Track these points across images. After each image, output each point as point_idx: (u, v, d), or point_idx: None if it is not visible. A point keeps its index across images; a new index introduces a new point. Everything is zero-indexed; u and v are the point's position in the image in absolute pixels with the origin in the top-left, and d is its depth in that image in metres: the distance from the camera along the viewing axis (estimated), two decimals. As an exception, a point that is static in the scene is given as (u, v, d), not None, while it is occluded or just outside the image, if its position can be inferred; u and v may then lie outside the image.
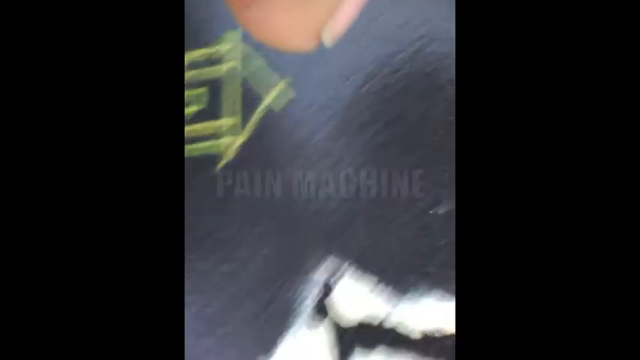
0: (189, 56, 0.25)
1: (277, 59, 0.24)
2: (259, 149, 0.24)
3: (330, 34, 0.14)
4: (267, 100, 0.24)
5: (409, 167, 0.23)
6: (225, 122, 0.24)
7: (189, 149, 0.24)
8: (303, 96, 0.25)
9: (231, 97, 0.25)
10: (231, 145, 0.24)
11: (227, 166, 0.24)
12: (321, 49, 0.14)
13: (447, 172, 0.23)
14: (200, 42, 0.25)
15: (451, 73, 0.24)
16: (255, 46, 0.24)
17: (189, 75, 0.25)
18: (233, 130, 0.24)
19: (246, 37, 0.24)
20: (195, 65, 0.25)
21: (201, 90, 0.25)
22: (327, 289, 0.22)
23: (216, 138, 0.24)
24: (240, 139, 0.24)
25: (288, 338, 0.21)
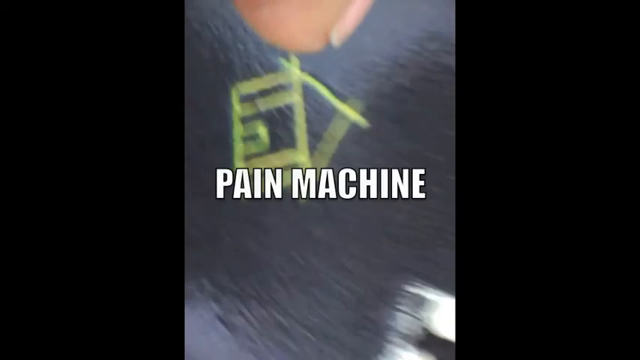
0: (241, 88, 0.23)
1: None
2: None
3: (338, 34, 0.14)
4: (339, 129, 0.22)
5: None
6: (293, 156, 0.22)
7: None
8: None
9: (294, 129, 0.23)
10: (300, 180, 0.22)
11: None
12: (328, 48, 0.14)
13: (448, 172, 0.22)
14: (249, 72, 0.24)
15: (452, 71, 0.23)
16: (314, 74, 0.23)
17: (240, 108, 0.23)
18: (302, 162, 0.22)
19: (304, 65, 0.23)
20: (249, 98, 0.23)
21: (259, 126, 0.23)
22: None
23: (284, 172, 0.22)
24: (309, 173, 0.22)
25: None
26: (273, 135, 0.23)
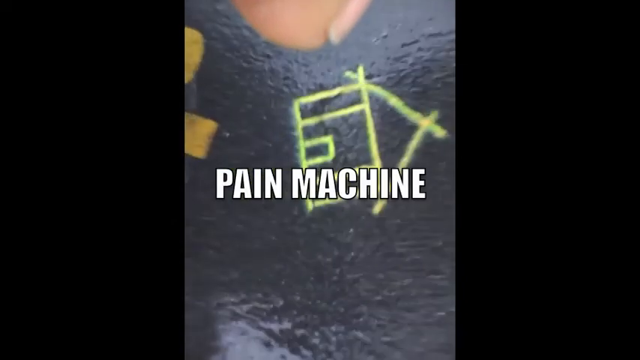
0: (303, 100, 0.22)
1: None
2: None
3: (337, 31, 0.14)
4: (417, 140, 0.21)
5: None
6: (367, 169, 0.21)
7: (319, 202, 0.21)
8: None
9: (363, 141, 0.22)
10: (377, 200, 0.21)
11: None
12: (326, 45, 0.14)
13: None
14: (314, 86, 0.23)
15: (452, 69, 0.23)
16: (381, 83, 0.22)
17: (305, 122, 0.22)
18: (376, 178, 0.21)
19: (370, 75, 0.22)
20: (313, 111, 0.22)
21: (325, 139, 0.22)
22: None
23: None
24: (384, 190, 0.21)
25: None
26: (338, 145, 0.23)
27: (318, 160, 0.22)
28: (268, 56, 0.25)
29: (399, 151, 0.22)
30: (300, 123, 0.23)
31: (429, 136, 0.22)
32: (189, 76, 0.25)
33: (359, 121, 0.23)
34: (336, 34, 0.14)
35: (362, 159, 0.22)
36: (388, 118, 0.22)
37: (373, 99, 0.23)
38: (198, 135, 0.24)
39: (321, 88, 0.23)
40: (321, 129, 0.23)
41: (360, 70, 0.23)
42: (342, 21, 0.14)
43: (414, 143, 0.21)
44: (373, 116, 0.23)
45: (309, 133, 0.23)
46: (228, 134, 0.24)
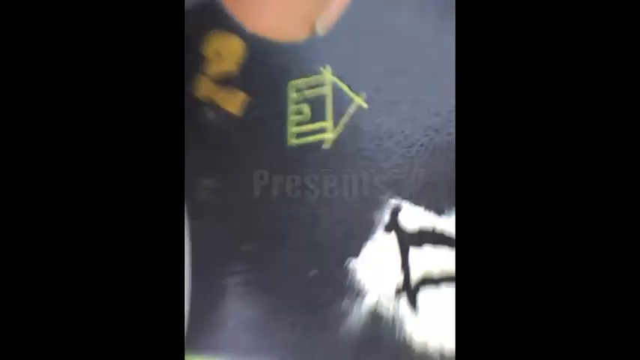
0: (294, 83, 0.31)
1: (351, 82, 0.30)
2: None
3: (324, 24, 0.14)
4: (351, 110, 0.30)
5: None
6: (323, 124, 0.31)
7: (299, 140, 0.31)
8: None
9: (326, 109, 0.31)
10: (328, 139, 0.30)
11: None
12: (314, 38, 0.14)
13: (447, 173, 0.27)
14: (299, 73, 0.31)
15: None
16: (340, 76, 0.30)
17: (294, 96, 0.31)
18: (328, 129, 0.30)
19: (335, 70, 0.30)
20: (299, 89, 0.31)
21: (305, 106, 0.31)
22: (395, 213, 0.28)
23: (318, 133, 0.30)
24: (332, 135, 0.30)
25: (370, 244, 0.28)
26: (313, 112, 0.30)
27: (300, 119, 0.30)
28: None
29: (343, 117, 0.30)
30: (291, 96, 0.31)
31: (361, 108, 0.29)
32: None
33: (325, 98, 0.30)
34: (322, 27, 0.14)
35: (323, 120, 0.31)
36: (341, 97, 0.30)
37: (334, 85, 0.30)
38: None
39: (304, 75, 0.30)
40: (303, 101, 0.31)
41: (328, 67, 0.29)
42: (329, 13, 0.13)
43: (350, 111, 0.29)
44: (332, 96, 0.30)
45: (296, 102, 0.31)
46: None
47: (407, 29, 0.28)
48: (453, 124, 0.26)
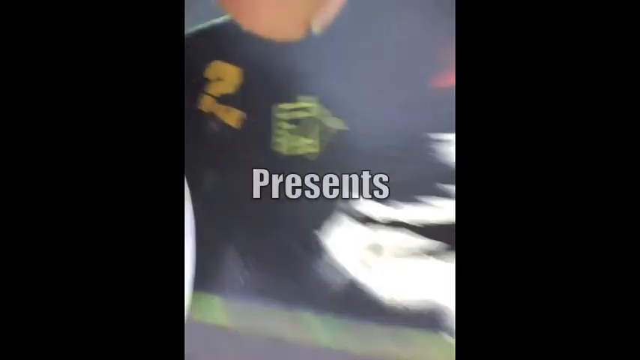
0: (282, 106, 0.33)
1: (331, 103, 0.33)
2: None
3: (320, 23, 0.13)
4: (332, 130, 0.33)
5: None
6: (308, 142, 0.33)
7: (289, 148, 0.33)
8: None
9: (312, 128, 0.33)
10: (313, 153, 0.33)
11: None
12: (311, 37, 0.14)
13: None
14: (287, 98, 0.33)
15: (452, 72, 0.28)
16: (326, 105, 0.32)
17: (281, 116, 0.33)
18: (313, 146, 0.33)
19: (322, 100, 0.32)
20: (286, 111, 0.33)
21: (292, 127, 0.33)
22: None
23: (304, 148, 0.33)
24: (317, 150, 0.33)
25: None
26: (296, 131, 0.33)
27: (289, 135, 0.33)
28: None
29: (326, 136, 0.33)
30: (278, 117, 0.33)
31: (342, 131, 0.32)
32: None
33: (310, 119, 0.33)
34: (318, 27, 0.12)
35: (308, 137, 0.34)
36: (323, 119, 0.32)
37: (318, 109, 0.32)
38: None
39: (288, 100, 0.32)
40: (290, 120, 0.33)
41: (315, 96, 0.32)
42: (324, 13, 0.12)
43: (332, 131, 0.32)
44: (318, 118, 0.32)
45: (283, 121, 0.33)
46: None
47: (387, 53, 0.31)
48: (429, 143, 0.30)
